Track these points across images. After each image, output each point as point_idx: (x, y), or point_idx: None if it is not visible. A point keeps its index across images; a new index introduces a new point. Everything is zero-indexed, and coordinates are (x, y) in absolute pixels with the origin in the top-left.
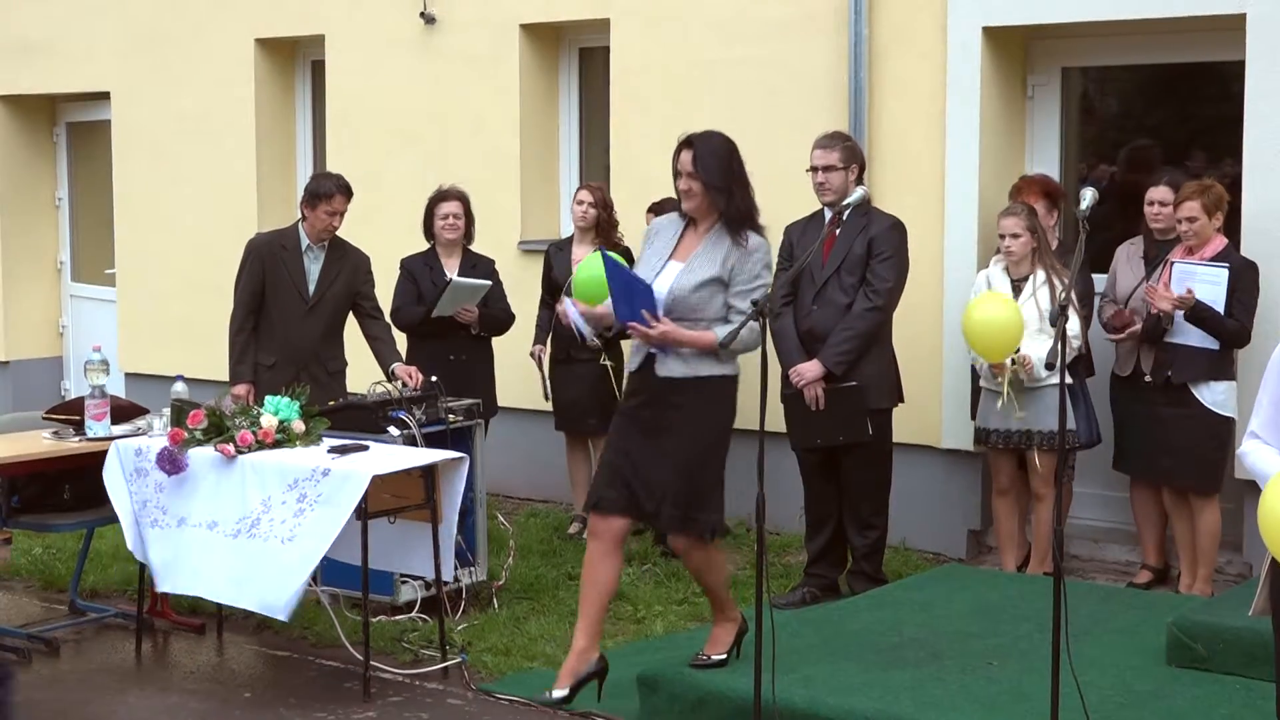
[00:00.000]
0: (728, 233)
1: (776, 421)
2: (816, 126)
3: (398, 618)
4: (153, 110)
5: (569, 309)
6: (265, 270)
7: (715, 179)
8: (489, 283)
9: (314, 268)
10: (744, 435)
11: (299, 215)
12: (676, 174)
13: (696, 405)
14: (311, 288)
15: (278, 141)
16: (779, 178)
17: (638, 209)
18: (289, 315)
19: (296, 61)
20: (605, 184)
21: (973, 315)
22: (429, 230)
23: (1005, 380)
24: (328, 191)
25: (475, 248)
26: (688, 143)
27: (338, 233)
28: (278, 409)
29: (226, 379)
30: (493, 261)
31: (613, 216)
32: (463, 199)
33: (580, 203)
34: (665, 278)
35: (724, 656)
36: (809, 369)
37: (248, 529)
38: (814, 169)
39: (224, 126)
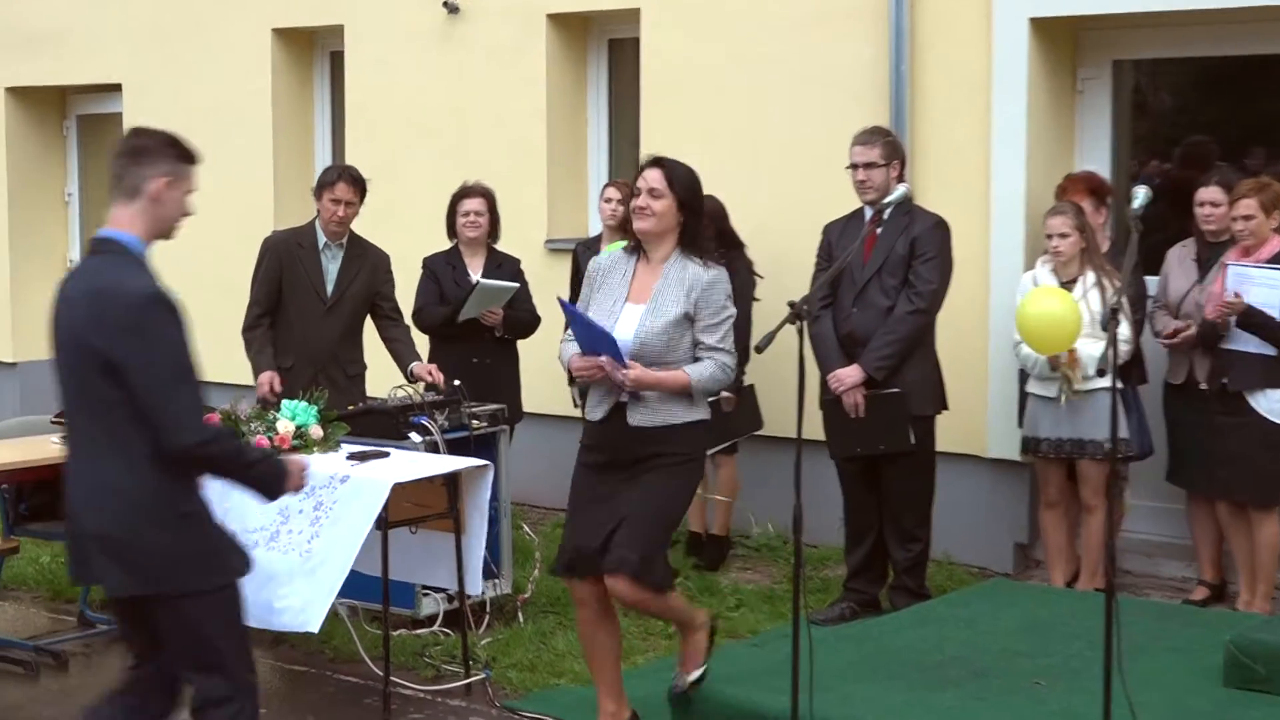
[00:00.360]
0: (688, 260)
1: (814, 429)
2: (856, 121)
3: (419, 632)
4: (166, 103)
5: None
6: (282, 269)
7: (687, 197)
8: (516, 285)
9: (332, 266)
10: (781, 443)
11: (315, 212)
12: (635, 194)
13: (670, 455)
14: (330, 287)
15: (295, 136)
16: (816, 175)
17: None
18: (307, 316)
19: (315, 53)
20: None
21: (1028, 310)
22: (452, 228)
23: (1066, 369)
24: (329, 179)
25: (500, 246)
26: (656, 162)
27: (356, 231)
28: (294, 413)
29: (241, 383)
30: (518, 261)
31: None
32: (487, 196)
33: (609, 200)
34: (626, 322)
35: (703, 669)
36: (849, 374)
37: (266, 541)
38: (854, 166)
39: (240, 120)
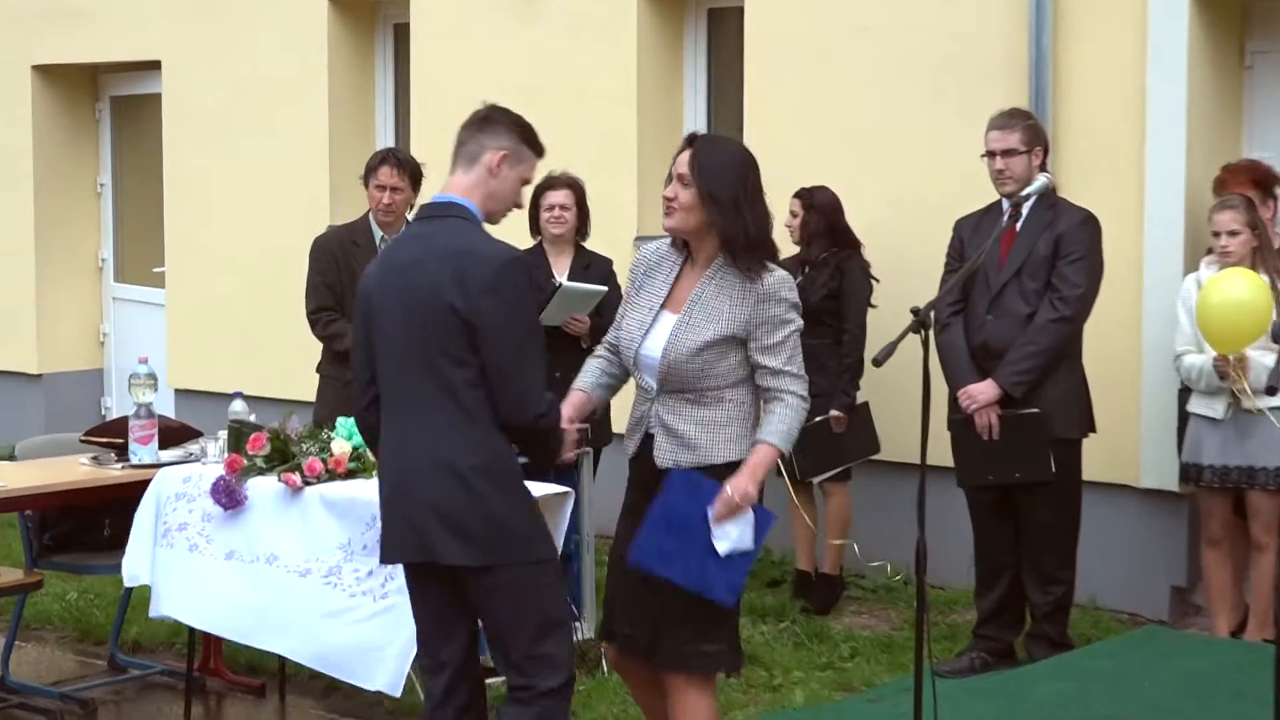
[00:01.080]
0: (734, 267)
1: (941, 454)
2: (992, 103)
3: (490, 680)
4: (210, 82)
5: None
6: (339, 268)
7: (716, 187)
8: (604, 289)
9: None
10: (901, 469)
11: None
12: (668, 178)
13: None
14: None
15: (354, 119)
16: (946, 163)
17: (779, 197)
18: None
19: (377, 25)
20: None
21: (1211, 297)
22: (535, 223)
23: (1235, 374)
24: (374, 164)
25: (589, 245)
26: (689, 140)
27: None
28: (352, 432)
29: (288, 397)
30: (610, 262)
31: None
32: (574, 187)
33: None
34: (658, 335)
35: None
36: (982, 391)
37: (323, 574)
38: (990, 153)
39: (292, 101)
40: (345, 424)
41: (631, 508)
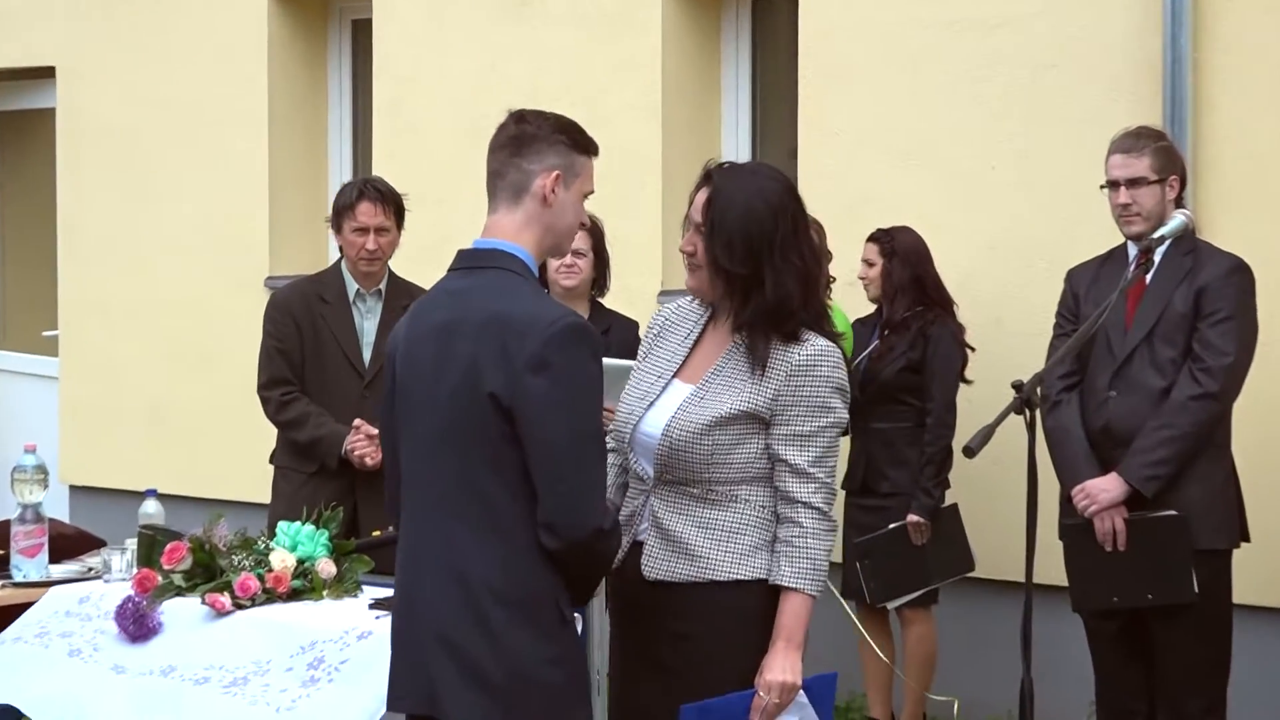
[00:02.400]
0: (759, 337)
1: (1051, 569)
2: (1114, 119)
3: None
4: (117, 94)
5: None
6: (301, 334)
7: (728, 250)
8: (632, 364)
9: (368, 324)
10: (1002, 590)
11: (335, 250)
12: (687, 221)
13: (716, 633)
14: (368, 354)
15: (302, 139)
16: (1054, 196)
17: (845, 240)
18: (338, 397)
19: (330, 22)
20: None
21: None
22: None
23: None
24: (347, 200)
25: (608, 301)
26: (708, 176)
27: (397, 271)
28: (296, 541)
29: (216, 496)
30: (634, 326)
31: None
32: (591, 228)
33: None
34: (663, 408)
35: None
36: (1104, 488)
37: (224, 683)
38: (1113, 184)
39: (223, 119)
40: (290, 531)
41: (617, 639)
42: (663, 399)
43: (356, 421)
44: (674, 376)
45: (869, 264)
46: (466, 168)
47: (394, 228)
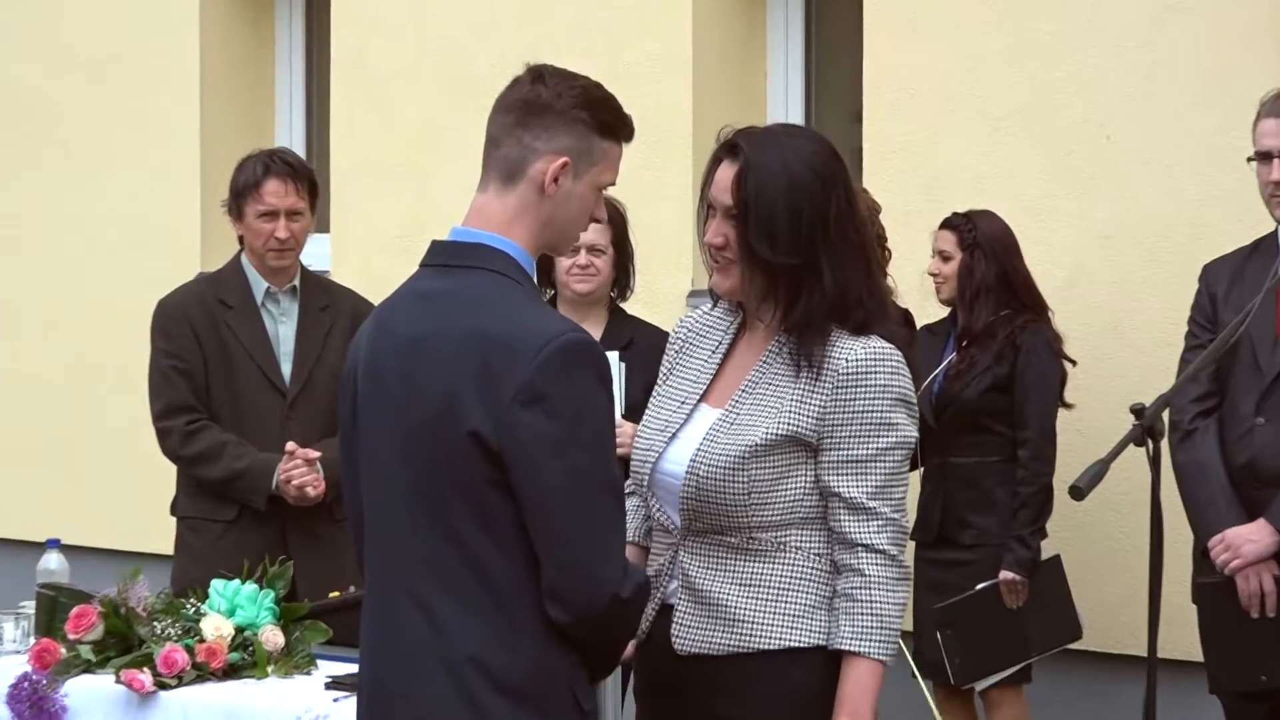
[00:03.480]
0: (815, 338)
1: (1182, 640)
2: (1260, 75)
3: None
4: (14, 53)
5: None
6: (203, 349)
7: (770, 237)
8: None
9: (284, 329)
10: (1117, 665)
11: (241, 250)
12: (708, 212)
13: (765, 715)
14: (287, 366)
15: (241, 109)
16: (1185, 172)
17: (923, 225)
18: (255, 422)
19: None
20: (863, 187)
21: None
22: (545, 273)
23: None
24: (251, 178)
25: (631, 306)
26: (730, 147)
27: (361, 266)
28: (234, 604)
29: (140, 550)
30: (661, 335)
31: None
32: (611, 217)
33: None
34: (688, 438)
35: None
36: (1250, 538)
37: None
38: (1263, 155)
39: (146, 81)
40: (226, 591)
41: (640, 710)
42: (687, 429)
43: (290, 446)
44: (700, 400)
45: (944, 257)
46: (449, 137)
47: (307, 210)
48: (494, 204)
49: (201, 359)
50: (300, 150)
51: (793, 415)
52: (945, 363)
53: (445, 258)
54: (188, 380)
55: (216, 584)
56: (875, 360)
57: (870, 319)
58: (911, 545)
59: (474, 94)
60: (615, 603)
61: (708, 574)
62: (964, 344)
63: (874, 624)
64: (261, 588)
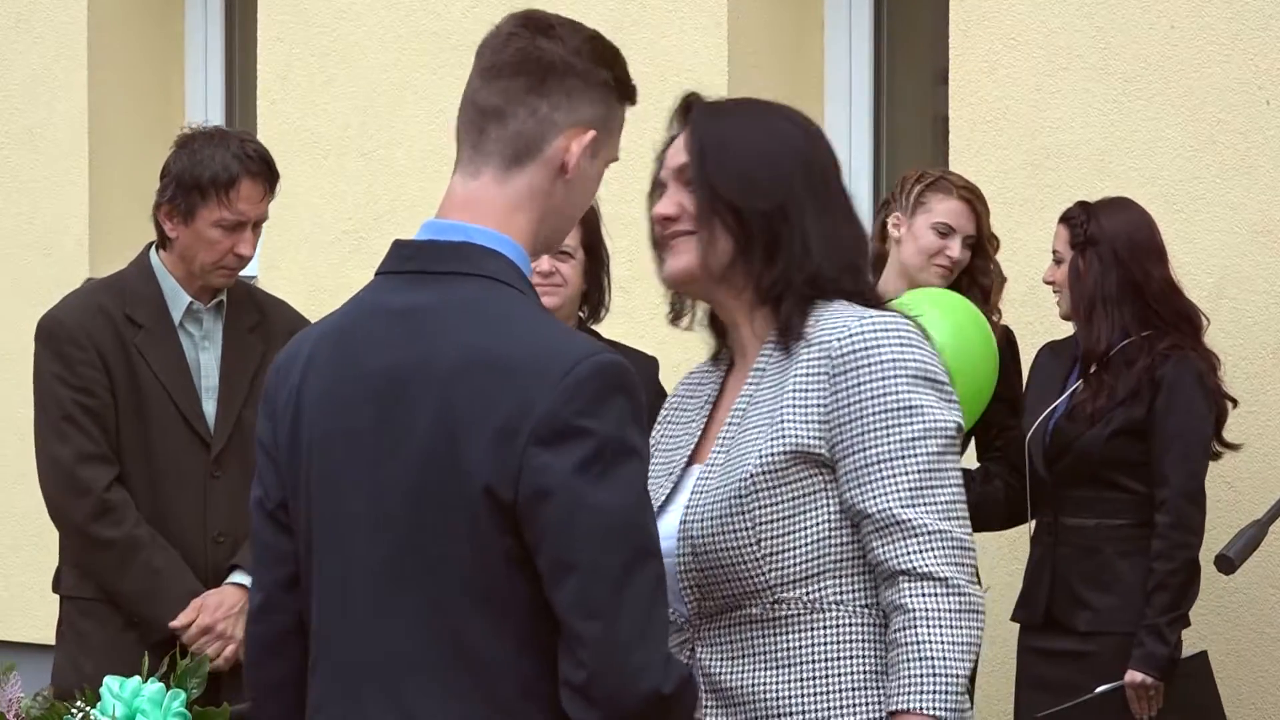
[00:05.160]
0: (794, 308)
1: None
2: None
3: None
4: None
5: None
6: (113, 380)
7: (740, 181)
8: None
9: (205, 357)
10: None
11: (150, 244)
12: (655, 187)
13: None
14: (211, 407)
15: (143, 75)
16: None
17: (1029, 217)
18: (173, 480)
19: None
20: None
21: None
22: None
23: None
24: (222, 175)
25: (608, 329)
26: (684, 105)
27: (291, 274)
28: (133, 709)
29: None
30: (654, 365)
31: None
32: (584, 219)
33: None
34: (678, 506)
35: None
36: None
37: None
38: None
39: (21, 68)
40: (122, 691)
41: None
42: (676, 499)
43: (196, 602)
44: (689, 464)
45: (1056, 259)
46: (411, 102)
47: (265, 212)
48: (489, 191)
49: (109, 389)
50: (218, 121)
51: (790, 425)
52: (1067, 393)
53: (421, 262)
54: (98, 422)
55: (111, 683)
56: (878, 331)
57: (868, 291)
58: (1013, 628)
59: (443, 46)
60: (656, 701)
61: (730, 663)
62: (1093, 369)
63: (925, 671)
64: (169, 687)
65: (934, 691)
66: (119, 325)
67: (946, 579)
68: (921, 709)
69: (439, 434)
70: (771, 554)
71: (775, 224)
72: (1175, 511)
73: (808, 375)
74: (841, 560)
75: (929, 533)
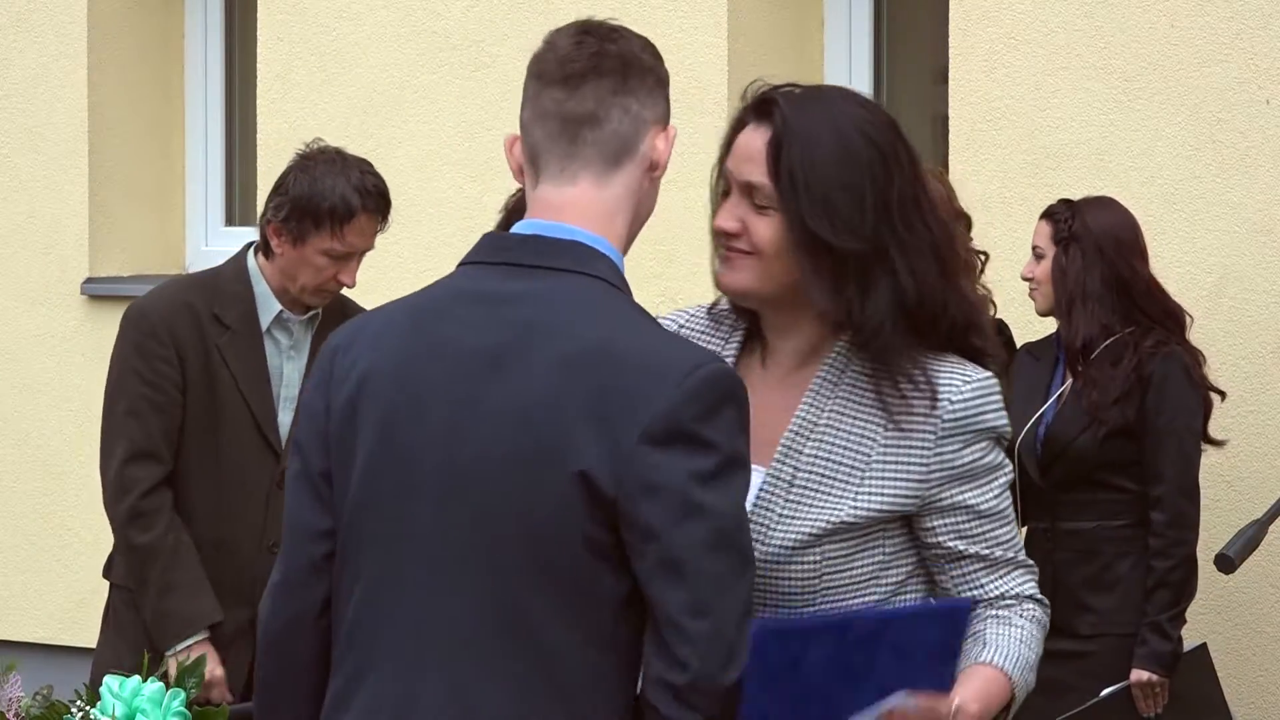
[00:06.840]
0: (900, 358)
1: None
2: None
3: None
4: None
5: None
6: (187, 379)
7: (826, 211)
8: None
9: (290, 367)
10: None
11: (250, 245)
12: (723, 191)
13: None
14: (286, 419)
15: (145, 94)
16: None
17: (1028, 216)
18: (236, 489)
19: None
20: (942, 170)
21: None
22: None
23: None
24: (343, 208)
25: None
26: (762, 106)
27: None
28: (134, 708)
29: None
30: None
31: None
32: None
33: None
34: None
35: None
36: None
37: None
38: None
39: (21, 59)
40: (122, 690)
41: None
42: None
43: (218, 672)
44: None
45: (1037, 254)
46: (413, 102)
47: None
48: (589, 195)
49: (181, 392)
50: (218, 121)
51: (888, 484)
52: (1054, 397)
53: (519, 255)
54: (161, 419)
55: (110, 681)
56: (982, 395)
57: (957, 334)
58: None
59: (443, 46)
60: (735, 691)
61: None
62: (1077, 369)
63: (1019, 651)
64: (170, 686)
65: (1020, 669)
66: (204, 324)
67: (1046, 605)
68: (1014, 673)
69: (536, 416)
70: (824, 588)
71: (865, 264)
72: (1171, 508)
73: (910, 433)
74: (879, 589)
75: (1029, 567)
